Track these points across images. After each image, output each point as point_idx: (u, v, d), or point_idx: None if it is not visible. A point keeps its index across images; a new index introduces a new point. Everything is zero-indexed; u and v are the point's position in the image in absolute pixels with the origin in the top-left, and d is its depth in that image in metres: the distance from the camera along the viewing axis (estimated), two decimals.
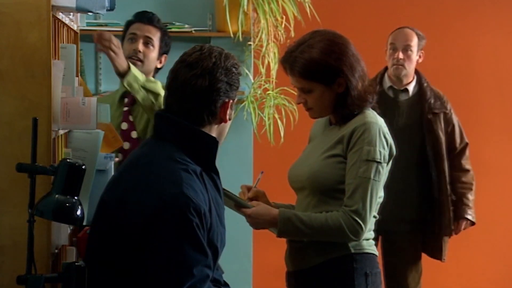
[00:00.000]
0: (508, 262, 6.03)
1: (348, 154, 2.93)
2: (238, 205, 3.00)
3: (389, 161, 2.97)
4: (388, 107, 4.54)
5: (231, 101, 2.54)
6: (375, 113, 3.01)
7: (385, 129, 2.97)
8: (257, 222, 3.01)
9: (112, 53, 3.71)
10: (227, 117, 2.55)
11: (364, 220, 2.89)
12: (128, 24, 4.15)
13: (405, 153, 4.48)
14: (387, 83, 4.68)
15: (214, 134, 2.54)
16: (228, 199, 2.96)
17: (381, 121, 2.98)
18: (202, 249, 2.38)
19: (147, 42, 4.06)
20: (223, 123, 2.56)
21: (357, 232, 2.90)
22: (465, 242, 5.85)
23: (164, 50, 4.12)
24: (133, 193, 2.41)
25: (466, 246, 5.86)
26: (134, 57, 4.03)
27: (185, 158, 2.47)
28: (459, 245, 5.85)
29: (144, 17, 4.11)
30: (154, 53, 4.08)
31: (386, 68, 4.73)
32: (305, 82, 2.97)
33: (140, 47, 4.05)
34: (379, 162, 2.90)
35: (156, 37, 4.08)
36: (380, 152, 2.91)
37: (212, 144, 2.53)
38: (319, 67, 2.93)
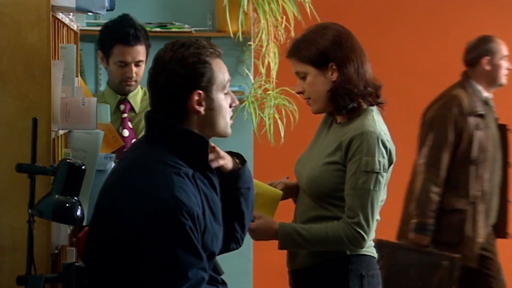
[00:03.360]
0: (508, 262, 6.02)
1: (347, 164, 2.92)
2: None
3: (389, 166, 2.97)
4: (490, 114, 4.87)
5: (198, 91, 2.47)
6: (376, 118, 2.98)
7: (385, 136, 2.95)
8: (258, 236, 3.03)
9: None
10: (200, 108, 2.48)
11: (366, 231, 2.90)
12: (111, 43, 3.93)
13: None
14: (482, 91, 4.89)
15: (195, 128, 2.50)
16: None
17: (380, 128, 2.95)
18: (197, 252, 2.37)
19: (138, 63, 3.95)
20: (207, 113, 2.49)
21: (359, 242, 2.91)
22: None
23: (148, 53, 4.00)
24: (125, 198, 2.40)
25: None
26: (128, 81, 3.95)
27: (177, 161, 2.45)
28: None
29: (131, 40, 3.90)
30: (143, 66, 3.98)
31: (468, 77, 4.89)
32: (298, 64, 3.01)
33: (133, 72, 3.93)
34: (378, 172, 2.90)
35: (144, 53, 3.96)
36: (379, 161, 2.90)
37: (201, 144, 2.51)
38: (311, 46, 2.98)
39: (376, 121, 2.97)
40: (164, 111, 2.50)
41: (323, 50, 2.97)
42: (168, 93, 2.48)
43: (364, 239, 2.91)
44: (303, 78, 3.02)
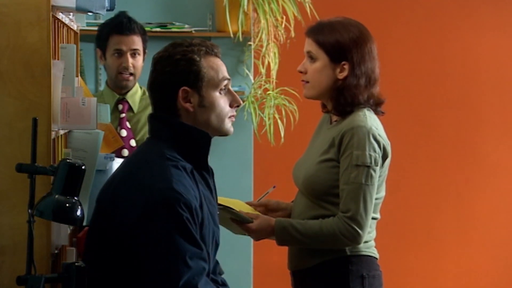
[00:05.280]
0: (509, 262, 6.03)
1: (340, 159, 2.93)
2: (240, 221, 2.99)
3: (383, 162, 2.96)
4: None
5: (184, 88, 2.50)
6: (368, 114, 2.97)
7: (377, 131, 2.94)
8: (260, 235, 3.02)
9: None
10: (187, 105, 2.51)
11: (360, 225, 2.89)
12: (107, 35, 4.01)
13: None
14: None
15: (191, 123, 2.52)
16: (228, 214, 2.94)
17: (371, 123, 2.94)
18: (196, 242, 2.39)
19: (134, 53, 3.99)
20: (199, 111, 2.52)
21: (354, 237, 2.90)
22: (465, 242, 5.86)
23: (145, 47, 4.08)
24: (124, 190, 2.43)
25: (466, 246, 5.86)
26: (124, 73, 3.99)
27: (175, 155, 2.48)
28: (459, 245, 5.85)
29: (125, 28, 3.98)
30: (141, 59, 4.03)
31: None
32: (314, 46, 2.99)
33: (130, 62, 3.98)
34: (369, 166, 2.89)
35: (140, 44, 4.02)
36: (370, 155, 2.90)
37: (204, 140, 2.53)
38: (333, 35, 2.97)
39: (368, 116, 2.96)
40: (161, 110, 2.54)
41: (342, 45, 2.96)
42: (158, 91, 2.53)
43: (358, 234, 2.89)
44: (312, 61, 3.01)
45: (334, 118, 3.05)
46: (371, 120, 2.96)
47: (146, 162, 2.47)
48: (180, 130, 2.51)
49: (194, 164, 2.51)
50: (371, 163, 2.89)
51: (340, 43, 2.96)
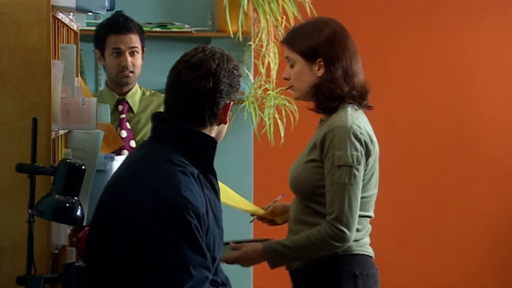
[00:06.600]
0: (507, 262, 6.03)
1: (324, 160, 2.95)
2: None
3: (367, 159, 2.96)
4: None
5: (231, 102, 2.56)
6: (350, 112, 2.97)
7: (359, 129, 2.94)
8: (247, 263, 3.08)
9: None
10: (227, 118, 2.56)
11: (346, 225, 2.90)
12: (104, 35, 4.02)
13: None
14: None
15: (213, 135, 2.55)
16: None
17: (352, 122, 2.95)
18: (201, 251, 2.38)
19: (133, 51, 4.00)
20: (222, 124, 2.57)
21: (342, 238, 2.91)
22: (464, 241, 5.86)
23: (143, 45, 4.09)
24: (131, 195, 2.42)
25: (464, 245, 5.86)
26: (125, 72, 4.00)
27: (182, 160, 2.47)
28: (458, 244, 5.85)
29: (122, 28, 3.99)
30: (140, 57, 4.04)
31: None
32: (289, 50, 3.06)
33: (129, 61, 3.98)
34: (351, 166, 2.91)
35: (138, 42, 4.02)
36: (351, 155, 2.91)
37: (211, 145, 2.54)
38: (305, 39, 3.02)
39: (349, 115, 2.97)
40: (187, 113, 2.52)
41: (314, 45, 3.01)
42: (208, 98, 2.52)
43: (345, 234, 2.90)
44: (292, 66, 3.06)
45: (323, 117, 3.08)
46: (352, 118, 2.96)
47: (153, 166, 2.46)
48: (187, 133, 2.51)
49: (200, 167, 2.51)
50: (353, 162, 2.91)
51: (311, 44, 3.01)
